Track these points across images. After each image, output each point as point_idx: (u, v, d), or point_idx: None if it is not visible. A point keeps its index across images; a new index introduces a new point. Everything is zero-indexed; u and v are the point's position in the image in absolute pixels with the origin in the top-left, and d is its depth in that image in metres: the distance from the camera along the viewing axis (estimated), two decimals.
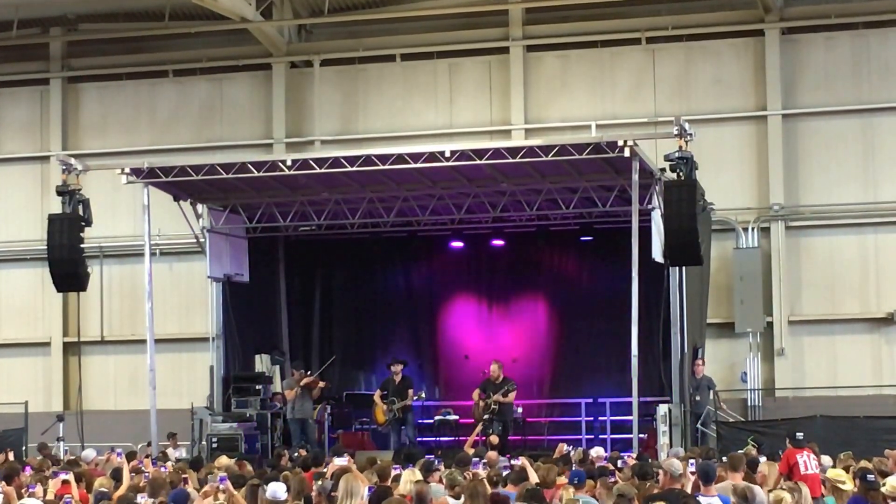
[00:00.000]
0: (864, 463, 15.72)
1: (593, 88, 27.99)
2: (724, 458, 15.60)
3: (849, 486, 13.78)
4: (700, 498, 12.49)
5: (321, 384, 25.11)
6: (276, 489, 12.01)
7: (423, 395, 25.69)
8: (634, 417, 20.95)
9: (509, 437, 24.16)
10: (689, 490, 13.26)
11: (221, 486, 12.74)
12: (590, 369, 26.48)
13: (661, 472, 13.52)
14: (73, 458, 20.02)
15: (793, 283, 26.77)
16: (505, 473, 14.37)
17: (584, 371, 26.56)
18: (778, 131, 26.84)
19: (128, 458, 17.75)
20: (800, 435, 16.35)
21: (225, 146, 29.31)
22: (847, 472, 14.59)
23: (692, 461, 14.00)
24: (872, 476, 13.15)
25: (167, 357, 27.67)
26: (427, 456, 18.58)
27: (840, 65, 27.04)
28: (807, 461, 15.81)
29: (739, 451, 17.03)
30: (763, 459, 16.53)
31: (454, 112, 28.60)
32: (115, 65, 30.37)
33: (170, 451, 23.56)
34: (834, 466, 15.97)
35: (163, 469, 17.32)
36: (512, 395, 23.98)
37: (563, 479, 14.48)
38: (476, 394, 24.13)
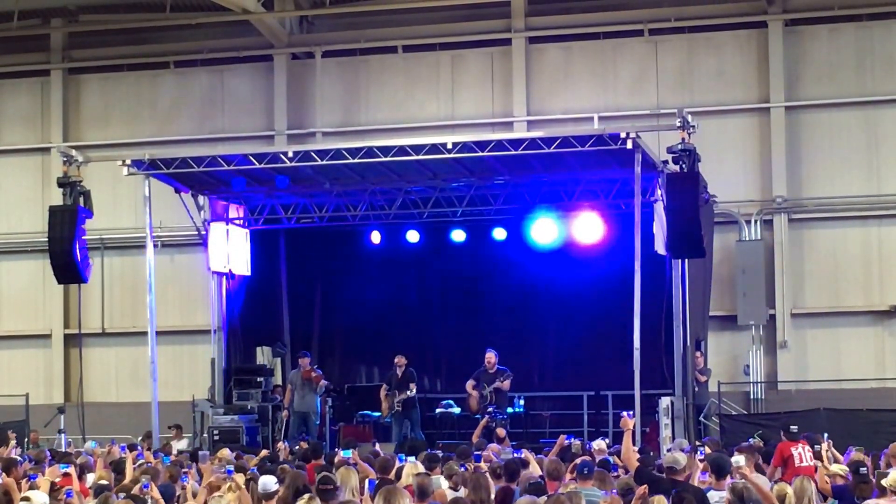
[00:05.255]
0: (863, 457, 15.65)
1: (596, 80, 27.92)
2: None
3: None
4: (712, 492, 12.36)
5: (324, 382, 24.96)
6: (266, 482, 12.17)
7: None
8: (636, 410, 20.86)
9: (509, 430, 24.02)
10: (695, 480, 13.11)
11: (230, 477, 12.80)
12: (592, 362, 26.37)
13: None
14: (66, 452, 19.85)
15: (796, 276, 26.71)
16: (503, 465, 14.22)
17: (586, 364, 26.45)
18: (781, 123, 26.76)
19: (129, 450, 17.72)
20: (794, 428, 16.09)
21: (226, 138, 29.26)
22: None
23: (702, 450, 13.82)
24: (865, 469, 13.10)
25: (168, 349, 27.62)
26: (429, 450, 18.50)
27: (843, 57, 26.95)
28: (802, 453, 15.59)
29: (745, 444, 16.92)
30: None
31: (456, 104, 28.52)
32: (117, 56, 30.30)
33: (173, 443, 23.53)
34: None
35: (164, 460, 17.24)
36: (507, 383, 23.68)
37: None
38: (470, 385, 23.89)
